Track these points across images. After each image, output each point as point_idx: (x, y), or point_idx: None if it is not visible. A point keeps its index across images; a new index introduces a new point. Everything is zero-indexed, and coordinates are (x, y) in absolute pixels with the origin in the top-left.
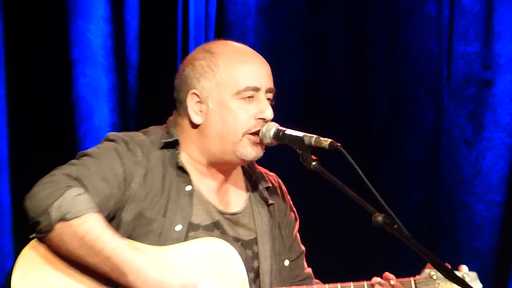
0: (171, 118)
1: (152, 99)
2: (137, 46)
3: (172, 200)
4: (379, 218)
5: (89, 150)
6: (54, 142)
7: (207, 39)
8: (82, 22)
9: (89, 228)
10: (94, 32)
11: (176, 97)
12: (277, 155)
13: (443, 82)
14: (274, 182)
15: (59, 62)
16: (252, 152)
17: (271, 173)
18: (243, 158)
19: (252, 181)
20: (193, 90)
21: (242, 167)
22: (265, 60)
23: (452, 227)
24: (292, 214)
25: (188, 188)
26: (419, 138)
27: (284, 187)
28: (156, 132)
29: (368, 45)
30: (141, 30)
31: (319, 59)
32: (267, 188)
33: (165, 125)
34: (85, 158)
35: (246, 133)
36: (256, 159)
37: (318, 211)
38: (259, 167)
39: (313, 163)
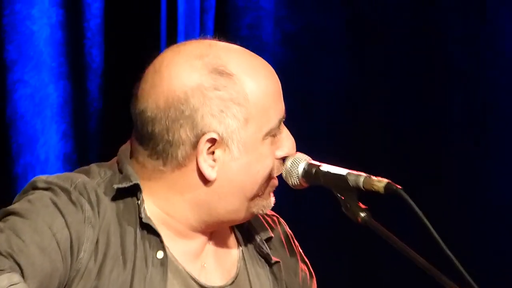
0: (123, 148)
1: (124, 118)
2: (101, 41)
3: (139, 275)
4: None
5: (16, 206)
6: None
7: (203, 31)
8: (20, 6)
9: None
10: (38, 20)
11: (160, 134)
12: None
13: None
14: (274, 226)
15: None
16: (271, 203)
17: (269, 213)
18: (256, 213)
19: (244, 230)
20: (211, 135)
21: None
22: None
23: None
24: (305, 268)
25: (160, 255)
26: None
27: (288, 230)
28: (102, 173)
29: (440, 37)
30: (107, 17)
31: (368, 57)
32: (268, 240)
33: (114, 159)
34: (12, 219)
35: (270, 179)
36: None
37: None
38: None
39: (362, 214)
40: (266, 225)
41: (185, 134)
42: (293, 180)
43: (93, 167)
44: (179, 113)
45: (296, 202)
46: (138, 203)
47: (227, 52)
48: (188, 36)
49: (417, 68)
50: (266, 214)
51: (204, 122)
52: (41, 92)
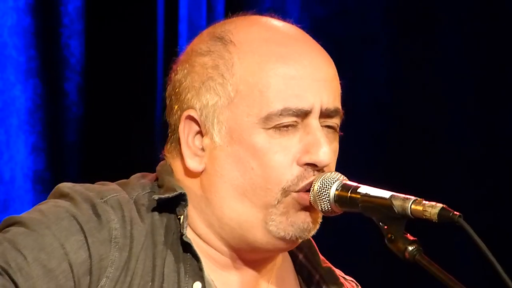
0: (163, 163)
1: (112, 127)
2: (81, 29)
3: None
4: None
5: (24, 215)
6: None
7: (212, 17)
8: None
9: None
10: (0, 3)
11: (169, 120)
12: None
13: None
14: None
15: None
16: (301, 226)
17: (347, 277)
18: (282, 236)
19: (314, 284)
20: (188, 112)
21: (293, 256)
22: (327, 54)
23: None
24: None
25: (198, 286)
26: None
27: None
28: (142, 186)
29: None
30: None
31: (418, 52)
32: None
33: (154, 174)
34: (15, 230)
35: (289, 191)
36: (307, 237)
37: None
38: (325, 260)
39: (410, 248)
40: (341, 280)
41: (176, 116)
42: (323, 205)
43: (135, 178)
44: (172, 90)
45: (330, 229)
46: (181, 218)
47: (249, 22)
48: (192, 23)
49: (479, 63)
50: (343, 277)
51: (187, 97)
52: (5, 94)
